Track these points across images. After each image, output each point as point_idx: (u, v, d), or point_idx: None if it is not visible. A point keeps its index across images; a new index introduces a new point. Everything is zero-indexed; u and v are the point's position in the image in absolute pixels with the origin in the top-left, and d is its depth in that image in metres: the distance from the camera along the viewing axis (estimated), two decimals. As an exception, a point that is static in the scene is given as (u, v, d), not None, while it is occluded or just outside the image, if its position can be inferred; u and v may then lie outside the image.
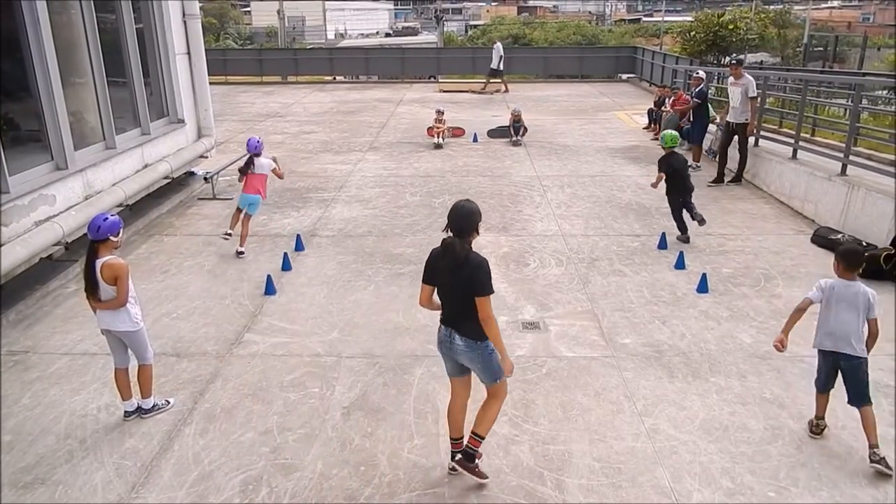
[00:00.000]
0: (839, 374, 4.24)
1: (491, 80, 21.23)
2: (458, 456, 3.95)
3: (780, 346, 4.24)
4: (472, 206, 3.77)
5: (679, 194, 7.86)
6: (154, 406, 4.68)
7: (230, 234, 7.64)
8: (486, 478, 3.96)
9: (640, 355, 5.45)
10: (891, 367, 5.22)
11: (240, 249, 7.57)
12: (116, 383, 4.61)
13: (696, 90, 11.40)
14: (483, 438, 3.94)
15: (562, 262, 7.38)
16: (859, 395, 4.14)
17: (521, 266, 7.26)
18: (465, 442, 3.97)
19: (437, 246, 3.82)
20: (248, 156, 7.52)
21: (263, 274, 6.87)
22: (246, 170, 7.48)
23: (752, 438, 4.39)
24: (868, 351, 4.14)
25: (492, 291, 3.64)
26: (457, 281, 3.68)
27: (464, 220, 3.72)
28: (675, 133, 8.07)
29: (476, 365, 3.84)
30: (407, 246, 7.85)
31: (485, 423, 3.93)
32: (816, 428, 4.41)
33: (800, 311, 4.24)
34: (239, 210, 7.64)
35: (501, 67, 21.11)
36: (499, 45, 21.78)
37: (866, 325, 4.12)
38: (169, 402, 4.78)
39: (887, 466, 4.00)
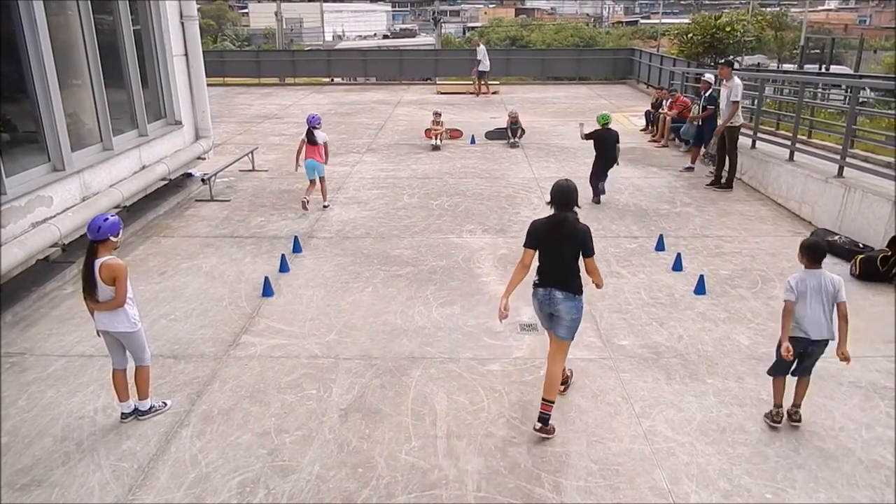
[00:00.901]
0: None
1: (486, 82, 21.16)
2: (538, 424, 4.43)
3: (789, 354, 4.25)
4: (572, 184, 4.46)
5: (602, 164, 9.43)
6: (151, 408, 4.68)
7: (307, 200, 9.18)
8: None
9: (637, 357, 5.46)
10: (886, 369, 5.23)
11: (325, 204, 9.40)
12: (114, 384, 4.60)
13: (707, 94, 11.23)
14: (553, 401, 4.44)
15: (559, 263, 7.38)
16: (809, 370, 4.50)
17: (518, 268, 7.26)
18: (545, 403, 4.44)
19: (539, 218, 4.54)
20: (307, 128, 9.01)
21: (261, 276, 6.87)
22: (308, 140, 8.98)
23: (750, 440, 4.40)
24: (843, 334, 4.26)
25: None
26: (569, 246, 4.39)
27: (568, 196, 4.40)
28: (608, 113, 9.66)
29: (570, 315, 4.44)
30: (405, 248, 7.85)
31: (555, 383, 4.49)
32: (777, 416, 4.51)
33: (789, 314, 4.30)
34: (311, 181, 9.16)
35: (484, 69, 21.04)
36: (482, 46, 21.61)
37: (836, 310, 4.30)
38: (166, 404, 4.77)
39: (799, 420, 4.51)
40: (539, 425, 4.41)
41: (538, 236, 4.47)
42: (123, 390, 4.60)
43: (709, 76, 11.74)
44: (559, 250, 4.42)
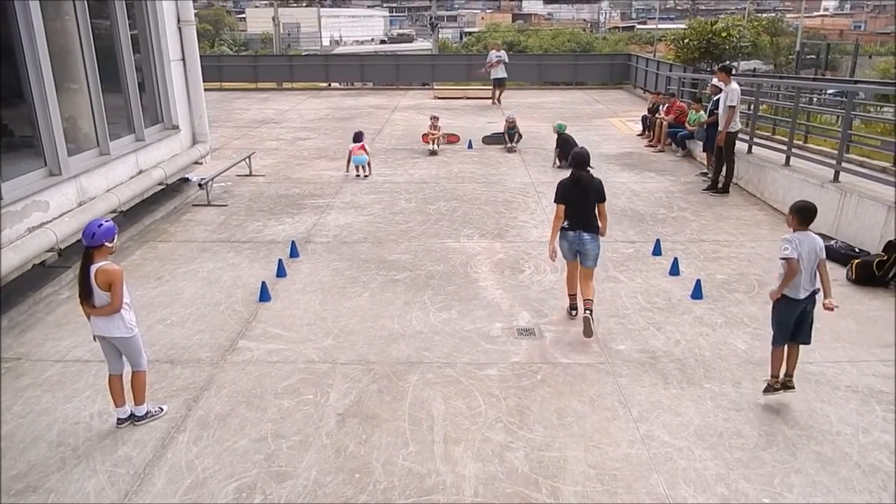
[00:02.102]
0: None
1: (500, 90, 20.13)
2: (586, 312, 5.67)
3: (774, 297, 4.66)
4: (585, 150, 5.98)
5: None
6: (147, 413, 4.66)
7: (351, 174, 11.49)
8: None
9: (634, 361, 5.46)
10: (882, 373, 5.24)
11: (367, 174, 11.52)
12: (110, 390, 4.58)
13: (716, 99, 10.83)
14: (593, 300, 5.82)
15: (556, 268, 7.38)
16: (810, 332, 4.72)
17: (515, 272, 7.27)
18: (577, 302, 6.05)
19: (564, 178, 5.92)
20: (355, 133, 11.65)
21: (258, 280, 6.86)
22: (354, 140, 11.52)
23: (747, 444, 4.40)
24: (827, 286, 4.58)
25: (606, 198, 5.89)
26: (589, 196, 5.78)
27: (584, 159, 5.85)
28: (563, 123, 12.10)
29: (595, 251, 5.85)
30: (402, 252, 7.85)
31: (591, 291, 5.84)
32: (777, 384, 4.76)
33: (794, 273, 4.51)
34: (357, 166, 11.48)
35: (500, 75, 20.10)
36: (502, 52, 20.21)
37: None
38: (162, 409, 4.75)
39: (793, 387, 4.77)
40: (587, 313, 5.64)
41: (565, 192, 5.81)
42: (119, 396, 4.58)
43: (716, 80, 11.58)
44: (582, 199, 5.77)
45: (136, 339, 4.50)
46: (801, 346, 4.77)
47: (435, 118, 13.76)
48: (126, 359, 4.57)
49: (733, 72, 10.78)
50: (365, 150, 11.56)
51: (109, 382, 4.57)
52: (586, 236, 5.77)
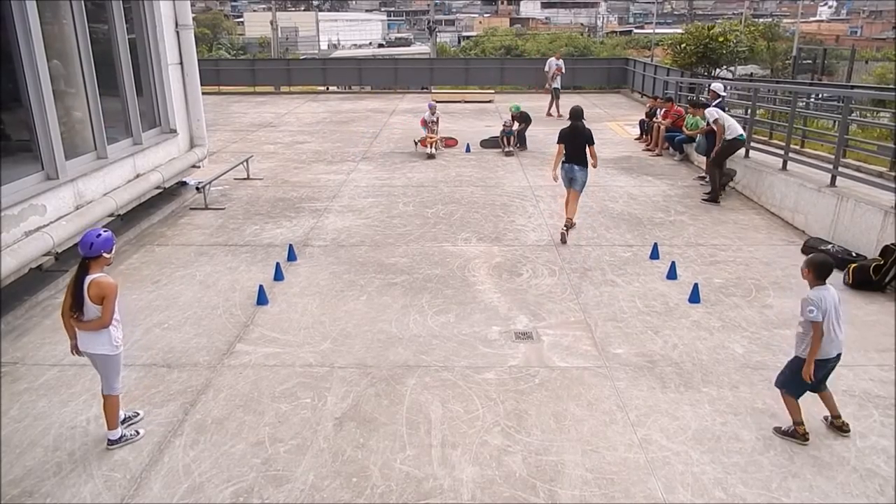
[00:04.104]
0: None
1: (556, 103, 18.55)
2: (564, 227, 8.39)
3: (809, 378, 4.31)
4: (580, 107, 8.53)
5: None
6: (122, 437, 4.45)
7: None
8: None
9: (632, 365, 5.46)
10: (880, 377, 5.25)
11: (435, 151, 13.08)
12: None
13: (715, 104, 10.92)
14: (573, 218, 8.55)
15: (554, 272, 7.39)
16: (825, 382, 4.51)
17: (513, 276, 7.27)
18: (568, 220, 8.49)
19: (565, 126, 8.53)
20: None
21: (255, 284, 6.85)
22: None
23: (745, 449, 4.40)
24: None
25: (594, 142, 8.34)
26: (580, 139, 8.26)
27: (580, 112, 8.44)
28: (517, 104, 14.28)
29: (581, 178, 8.41)
30: (400, 256, 7.85)
31: (574, 211, 8.54)
32: (807, 434, 4.46)
33: (820, 337, 4.22)
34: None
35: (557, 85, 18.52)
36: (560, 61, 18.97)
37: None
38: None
39: (848, 430, 4.53)
40: (565, 229, 8.33)
41: (564, 136, 8.38)
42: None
43: (716, 85, 11.59)
44: (576, 142, 8.28)
45: (117, 359, 4.32)
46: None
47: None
48: (101, 379, 4.35)
49: (721, 91, 11.48)
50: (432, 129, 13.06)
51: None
52: (576, 168, 8.33)
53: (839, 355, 4.38)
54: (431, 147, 13.35)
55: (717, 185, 10.16)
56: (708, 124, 10.72)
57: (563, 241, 8.20)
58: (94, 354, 4.30)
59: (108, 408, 4.40)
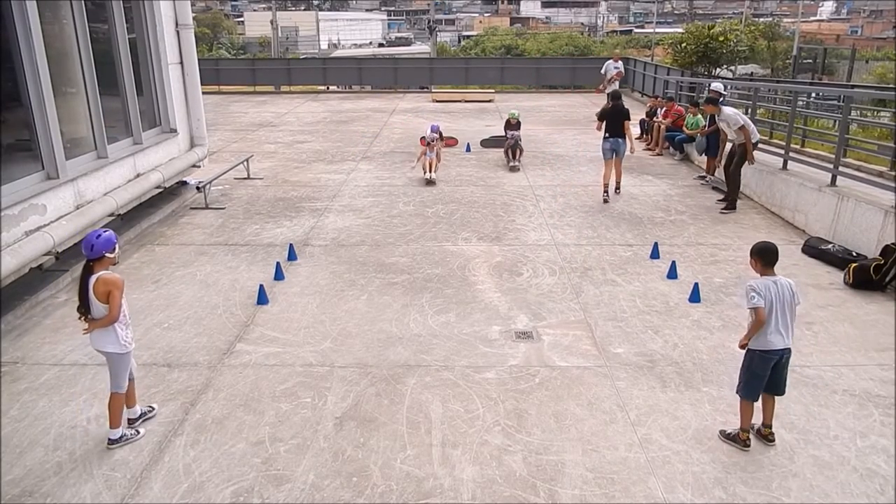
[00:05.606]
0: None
1: None
2: (617, 190, 10.38)
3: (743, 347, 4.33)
4: (619, 90, 12.23)
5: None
6: (122, 436, 4.46)
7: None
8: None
9: (632, 365, 5.46)
10: (880, 377, 5.25)
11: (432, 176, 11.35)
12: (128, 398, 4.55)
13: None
14: (620, 182, 10.44)
15: (555, 271, 7.39)
16: (784, 384, 4.38)
17: (514, 275, 7.27)
18: (613, 187, 10.28)
19: (606, 104, 10.40)
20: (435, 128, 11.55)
21: (256, 283, 6.85)
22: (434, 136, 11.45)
23: (745, 448, 4.39)
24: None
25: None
26: (620, 117, 9.91)
27: (619, 94, 10.50)
28: (515, 111, 13.11)
29: (622, 149, 9.94)
30: (400, 255, 7.85)
31: (620, 175, 10.33)
32: (748, 440, 4.37)
33: (761, 323, 4.16)
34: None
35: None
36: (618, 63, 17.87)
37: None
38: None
39: (773, 440, 4.43)
40: (606, 194, 10.08)
41: (605, 113, 10.15)
42: (130, 397, 4.55)
43: (716, 85, 11.41)
44: (616, 118, 9.93)
45: (126, 358, 4.34)
46: (791, 357, 4.38)
47: (434, 129, 11.48)
48: (109, 376, 4.38)
49: (722, 95, 10.98)
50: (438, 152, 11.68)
51: (125, 394, 4.48)
52: (620, 140, 9.92)
53: (787, 353, 4.25)
54: (431, 172, 11.25)
55: (737, 191, 9.78)
56: (712, 123, 10.66)
57: (606, 201, 9.93)
58: (103, 352, 4.34)
59: (112, 405, 4.44)
